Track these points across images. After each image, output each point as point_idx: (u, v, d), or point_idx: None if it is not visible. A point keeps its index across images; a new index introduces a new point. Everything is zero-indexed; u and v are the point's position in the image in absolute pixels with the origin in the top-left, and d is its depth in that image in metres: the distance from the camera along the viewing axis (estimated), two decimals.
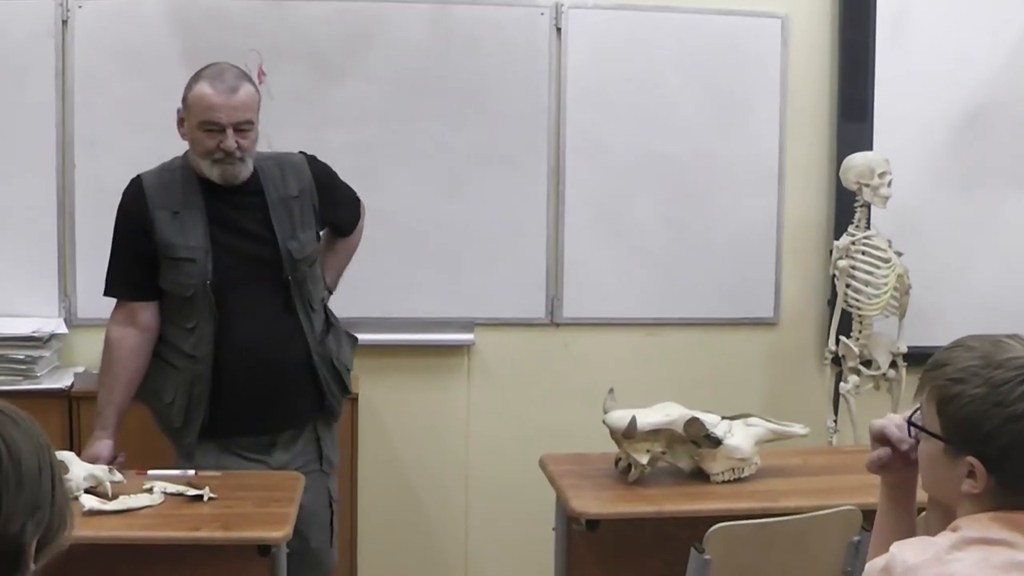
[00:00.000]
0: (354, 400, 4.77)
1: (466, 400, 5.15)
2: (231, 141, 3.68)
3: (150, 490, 3.47)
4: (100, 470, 3.48)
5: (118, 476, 3.49)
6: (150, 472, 3.67)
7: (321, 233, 4.05)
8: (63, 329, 4.90)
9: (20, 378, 4.68)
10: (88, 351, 4.91)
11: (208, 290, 3.77)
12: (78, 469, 3.46)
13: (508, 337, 5.14)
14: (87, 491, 3.40)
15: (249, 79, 3.81)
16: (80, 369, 4.86)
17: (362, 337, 4.92)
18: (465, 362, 5.15)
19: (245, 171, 3.77)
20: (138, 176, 3.92)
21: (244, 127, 3.70)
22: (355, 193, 4.20)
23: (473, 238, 5.07)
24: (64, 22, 4.84)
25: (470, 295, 5.09)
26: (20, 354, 4.69)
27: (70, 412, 4.68)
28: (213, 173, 3.76)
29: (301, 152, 4.03)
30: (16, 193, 4.89)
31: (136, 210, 3.86)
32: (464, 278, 5.08)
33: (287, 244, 3.81)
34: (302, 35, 4.93)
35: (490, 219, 5.07)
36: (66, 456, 3.46)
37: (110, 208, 4.85)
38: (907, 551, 2.00)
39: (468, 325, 5.09)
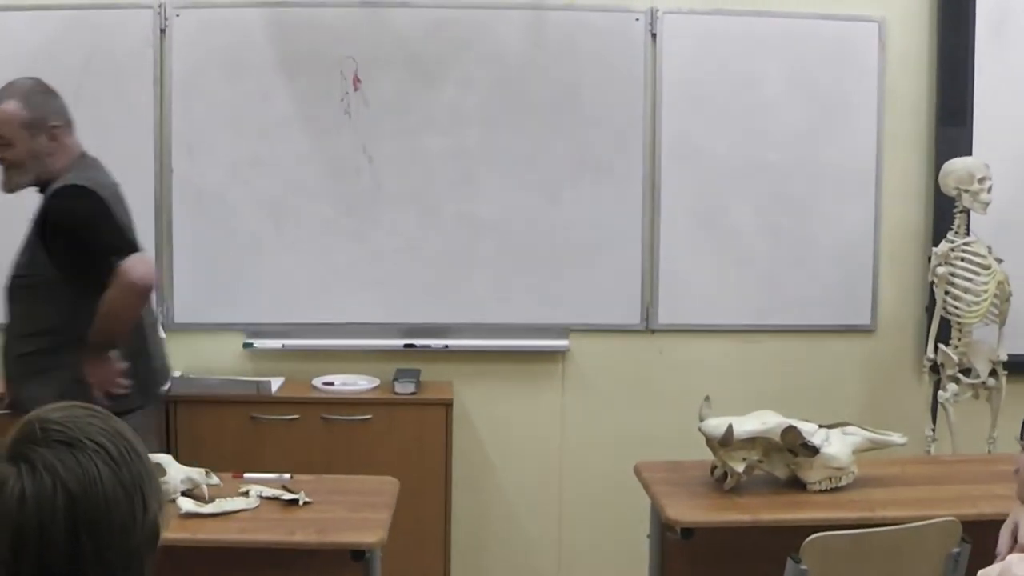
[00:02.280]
0: (448, 405, 4.77)
1: (560, 406, 5.14)
2: None
3: (246, 493, 3.49)
4: (197, 473, 3.51)
5: (215, 479, 3.51)
6: (246, 475, 3.69)
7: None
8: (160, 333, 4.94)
9: None
10: (185, 355, 4.97)
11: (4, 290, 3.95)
12: (175, 472, 3.48)
13: (603, 343, 5.11)
14: (184, 494, 3.42)
15: (23, 97, 3.83)
16: (177, 373, 4.90)
17: (457, 342, 4.96)
18: (560, 368, 5.13)
19: (13, 184, 3.87)
20: None
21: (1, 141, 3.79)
22: (111, 249, 3.78)
23: (568, 244, 5.05)
24: (163, 30, 4.91)
25: (565, 301, 5.07)
26: None
27: (167, 415, 4.72)
28: None
29: (70, 185, 3.81)
30: None
31: None
32: (559, 284, 5.06)
33: (16, 259, 3.90)
34: (398, 42, 4.95)
35: (585, 225, 5.05)
36: (163, 459, 3.49)
37: (206, 212, 4.94)
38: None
39: (563, 331, 5.07)
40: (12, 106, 3.78)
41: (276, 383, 4.86)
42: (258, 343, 5.01)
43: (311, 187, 4.97)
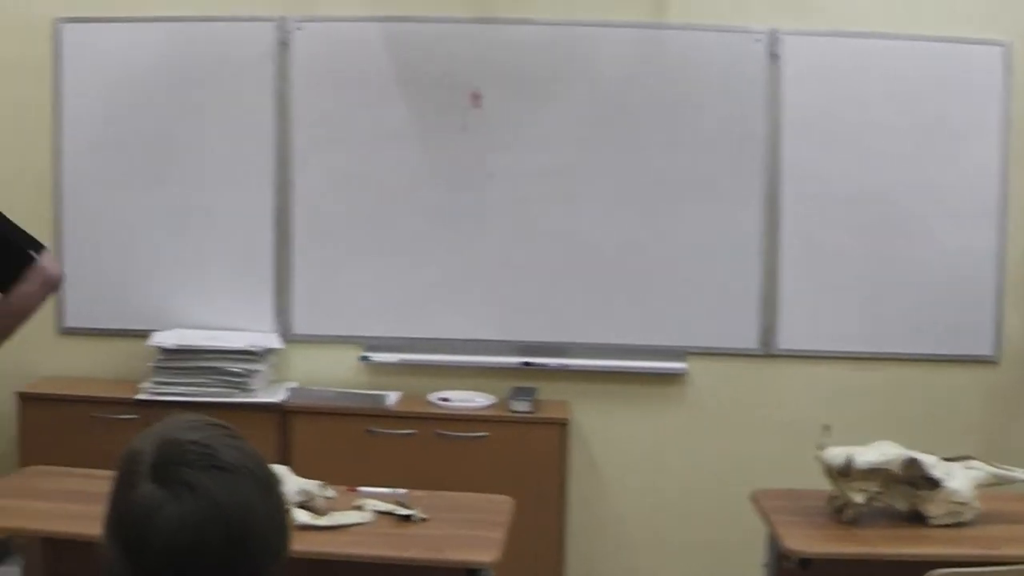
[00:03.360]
0: (563, 425, 4.76)
1: (676, 429, 5.08)
2: None
3: (361, 508, 3.51)
4: (313, 485, 3.53)
5: (330, 492, 3.53)
6: (361, 489, 3.70)
7: None
8: (278, 344, 5.00)
9: (236, 391, 4.79)
10: (303, 366, 5.02)
11: None
12: (291, 484, 3.51)
13: (720, 367, 5.05)
14: (299, 506, 3.44)
15: None
16: (294, 384, 4.96)
17: (573, 362, 4.94)
18: (676, 391, 5.08)
19: None
20: None
21: None
22: (19, 244, 3.76)
23: (684, 265, 5.00)
24: (283, 44, 4.96)
25: (682, 324, 5.02)
26: (236, 367, 4.81)
27: (284, 426, 4.77)
28: None
29: None
30: (235, 210, 5.04)
31: None
32: (676, 306, 5.01)
33: None
34: (515, 58, 4.95)
35: (700, 247, 5.00)
36: (279, 470, 3.52)
37: (325, 225, 4.98)
38: None
39: (680, 353, 5.03)
40: None
41: (392, 397, 4.89)
42: (375, 356, 5.04)
43: (429, 202, 4.99)
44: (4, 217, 3.71)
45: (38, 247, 3.72)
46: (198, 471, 1.63)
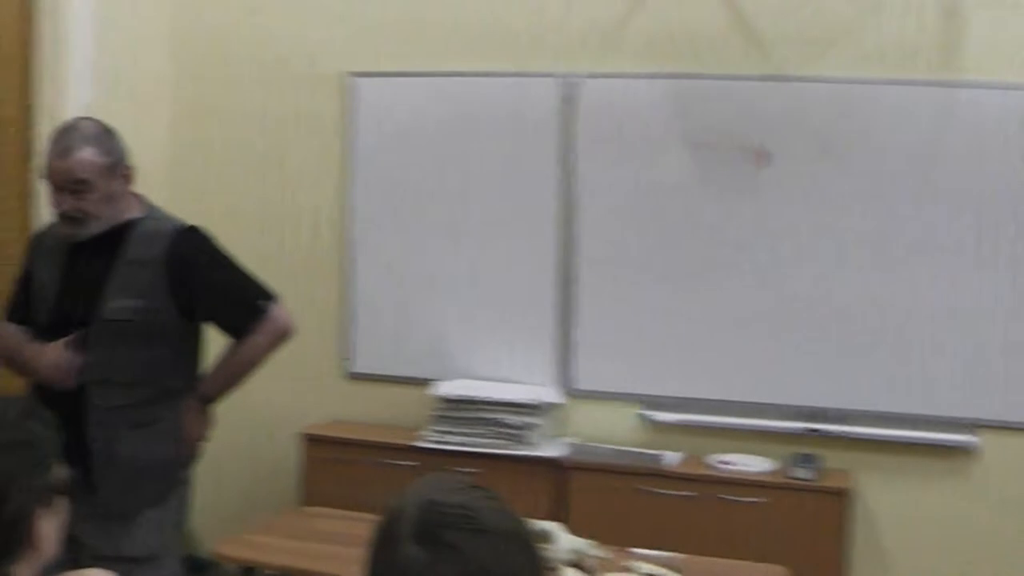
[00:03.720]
0: (845, 495, 4.57)
1: (965, 509, 4.74)
2: (63, 202, 3.57)
3: (630, 570, 3.43)
4: (584, 544, 3.48)
5: (601, 552, 3.48)
6: (633, 550, 3.63)
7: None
8: (558, 398, 4.98)
9: (514, 443, 4.79)
10: (583, 422, 4.99)
11: (43, 332, 3.68)
12: (562, 542, 3.47)
13: (1017, 442, 4.73)
14: (569, 565, 3.39)
15: (95, 141, 3.60)
16: (573, 439, 4.92)
17: (857, 430, 4.73)
18: (965, 466, 4.77)
19: (86, 230, 3.61)
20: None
21: (79, 188, 3.55)
22: (250, 293, 3.80)
23: (974, 329, 4.68)
24: (568, 99, 4.97)
25: (972, 392, 4.69)
26: (516, 420, 4.81)
27: (560, 482, 4.73)
28: (59, 228, 3.67)
29: (191, 227, 3.76)
30: (518, 263, 5.07)
31: (27, 252, 3.89)
32: (965, 374, 4.70)
33: (107, 303, 3.61)
34: (805, 116, 4.79)
35: (990, 314, 4.68)
36: (550, 527, 3.48)
37: (609, 281, 4.95)
38: None
39: (970, 426, 4.74)
40: (91, 153, 3.57)
41: (670, 457, 4.79)
42: (655, 415, 4.96)
43: (714, 261, 4.88)
44: (239, 266, 3.79)
45: (270, 297, 3.79)
46: (463, 534, 1.63)
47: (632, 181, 4.95)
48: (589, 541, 3.53)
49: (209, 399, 3.81)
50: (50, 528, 2.12)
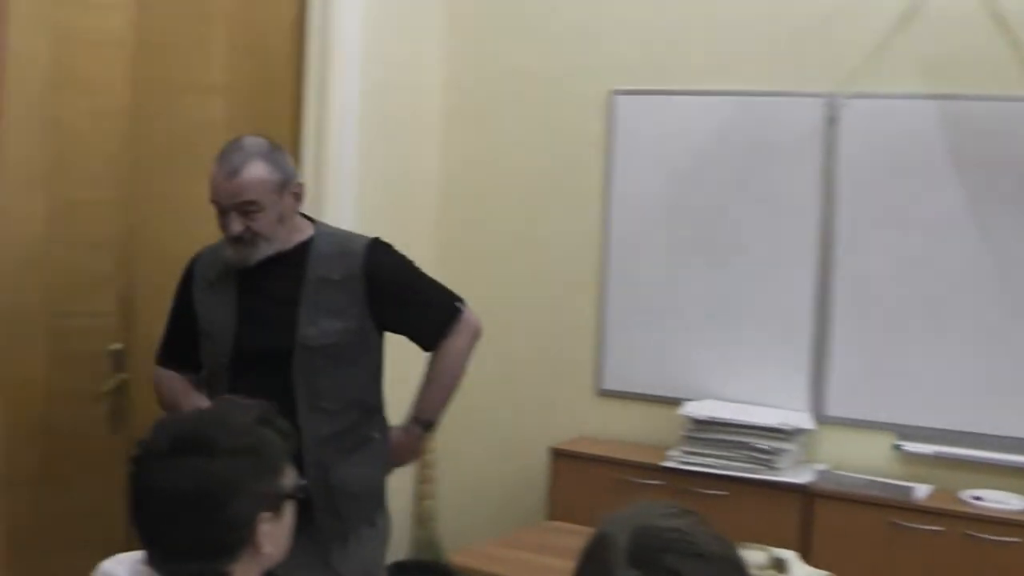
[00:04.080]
0: None
1: None
2: (233, 224, 3.39)
3: None
4: None
5: None
6: None
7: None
8: (810, 424, 4.90)
9: (761, 468, 4.72)
10: (834, 449, 4.89)
11: (226, 368, 3.52)
12: (798, 572, 3.42)
13: None
14: None
15: (264, 158, 3.43)
16: (823, 467, 4.82)
17: None
18: None
19: (257, 254, 3.45)
20: (201, 250, 3.68)
21: (248, 208, 3.38)
22: (442, 297, 3.67)
23: None
24: (832, 120, 4.88)
25: None
26: (763, 444, 4.75)
27: (806, 509, 4.65)
28: (227, 252, 3.48)
29: (379, 240, 3.62)
30: (775, 286, 5.00)
31: (182, 285, 3.68)
32: None
33: (305, 328, 3.46)
34: None
35: None
36: (786, 555, 3.44)
37: (870, 308, 4.83)
38: None
39: None
40: (261, 171, 3.41)
41: (922, 490, 4.65)
42: (908, 446, 4.82)
43: (978, 289, 4.72)
44: (425, 273, 3.68)
45: (459, 298, 3.69)
46: (682, 558, 1.65)
47: (900, 207, 4.82)
48: (825, 573, 3.46)
49: (431, 423, 3.73)
50: (275, 533, 2.21)
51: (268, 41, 4.75)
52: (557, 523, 4.62)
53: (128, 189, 4.25)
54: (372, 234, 3.62)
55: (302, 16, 4.82)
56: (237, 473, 2.16)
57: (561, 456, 5.12)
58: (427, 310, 3.64)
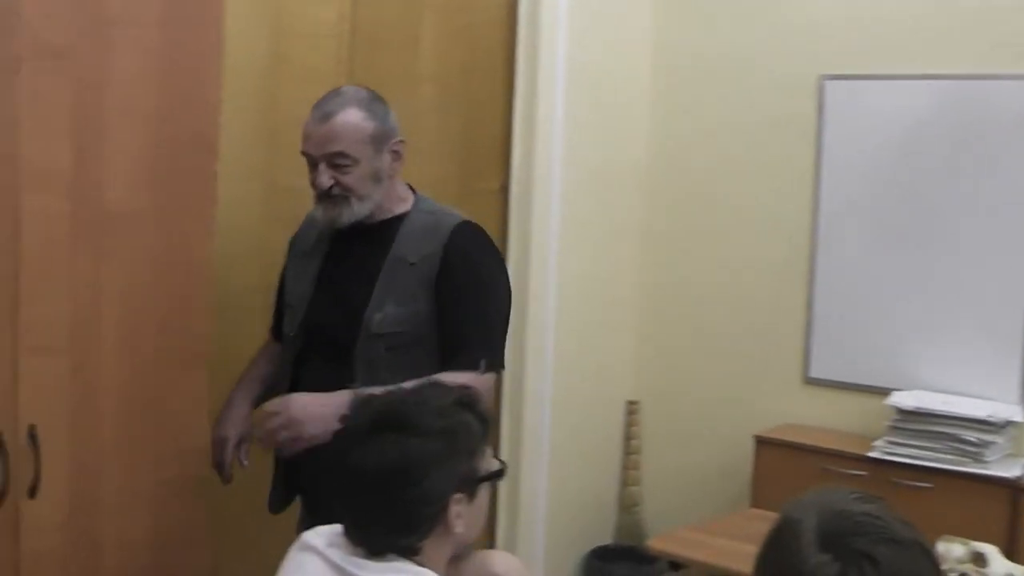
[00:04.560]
0: None
1: None
2: (322, 177, 3.13)
3: None
4: (1019, 571, 3.35)
5: None
6: None
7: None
8: (1020, 417, 4.78)
9: (968, 460, 4.63)
10: None
11: (291, 341, 3.32)
12: (996, 566, 3.36)
13: None
14: None
15: (361, 105, 3.16)
16: None
17: None
18: None
19: (349, 214, 3.17)
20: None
21: (339, 161, 3.12)
22: (484, 342, 3.19)
23: None
24: None
25: None
26: (971, 436, 4.65)
27: (1014, 503, 4.55)
28: (318, 211, 3.23)
29: (467, 220, 3.28)
30: (988, 274, 4.88)
31: (287, 254, 3.51)
32: None
33: (372, 313, 3.16)
34: None
35: None
36: (986, 549, 3.38)
37: None
38: None
39: None
40: (357, 118, 3.15)
41: None
42: None
43: None
44: (497, 296, 3.30)
45: (495, 363, 3.24)
46: (875, 543, 1.67)
47: None
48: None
49: None
50: (468, 514, 2.29)
51: (478, 30, 4.85)
52: (759, 511, 4.61)
53: None
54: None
55: (511, 3, 4.91)
56: (431, 453, 2.25)
57: (765, 444, 5.10)
58: (458, 331, 3.20)
